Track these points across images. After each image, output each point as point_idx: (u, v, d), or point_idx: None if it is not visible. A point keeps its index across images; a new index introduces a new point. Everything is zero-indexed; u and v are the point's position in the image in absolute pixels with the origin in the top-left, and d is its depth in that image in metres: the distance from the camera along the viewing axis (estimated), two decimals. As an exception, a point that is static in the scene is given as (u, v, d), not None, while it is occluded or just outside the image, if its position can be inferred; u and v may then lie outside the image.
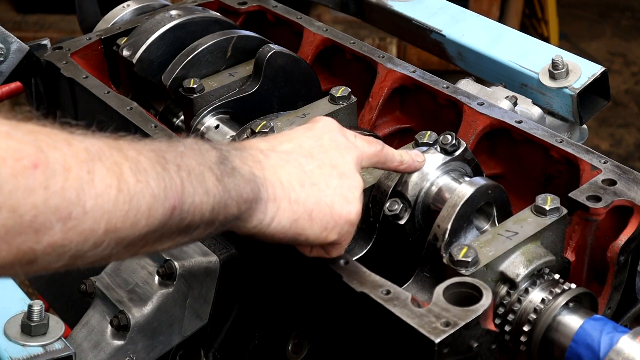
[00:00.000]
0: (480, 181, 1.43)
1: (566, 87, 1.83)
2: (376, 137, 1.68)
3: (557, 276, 1.37)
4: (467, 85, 1.83)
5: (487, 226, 1.45)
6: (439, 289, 1.23)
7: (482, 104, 1.71)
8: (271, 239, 1.24)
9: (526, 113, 1.80)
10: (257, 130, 1.59)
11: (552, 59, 1.84)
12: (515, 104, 1.79)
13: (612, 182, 1.48)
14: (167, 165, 1.07)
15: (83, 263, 1.01)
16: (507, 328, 1.35)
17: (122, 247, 1.03)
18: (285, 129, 1.62)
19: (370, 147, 1.35)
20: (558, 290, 1.33)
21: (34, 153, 0.92)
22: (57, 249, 0.96)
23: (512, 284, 1.34)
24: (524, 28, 5.54)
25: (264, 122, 1.61)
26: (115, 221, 1.00)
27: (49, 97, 2.00)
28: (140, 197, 1.02)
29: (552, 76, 1.84)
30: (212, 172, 1.13)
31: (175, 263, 1.46)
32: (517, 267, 1.34)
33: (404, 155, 1.42)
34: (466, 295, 1.23)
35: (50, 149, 0.94)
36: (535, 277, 1.35)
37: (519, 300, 1.34)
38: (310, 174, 1.25)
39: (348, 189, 1.27)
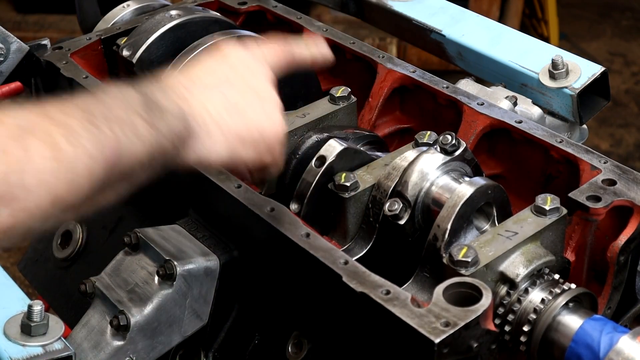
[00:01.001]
0: (480, 181, 1.43)
1: (566, 87, 1.83)
2: (376, 137, 1.68)
3: (557, 276, 1.37)
4: (467, 85, 1.83)
5: (487, 226, 1.45)
6: (439, 289, 1.23)
7: (482, 104, 1.71)
8: (213, 167, 1.30)
9: (526, 113, 1.80)
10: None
11: (552, 59, 1.84)
12: (515, 104, 1.79)
13: (612, 182, 1.48)
14: (97, 121, 1.09)
15: (33, 235, 1.05)
16: (507, 328, 1.35)
17: (68, 211, 1.07)
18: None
19: (276, 55, 1.41)
20: (558, 290, 1.33)
21: None
22: (7, 231, 0.99)
23: (512, 284, 1.34)
24: (524, 28, 5.54)
25: (264, 122, 1.61)
26: (59, 191, 1.03)
27: (49, 97, 1.99)
28: (78, 162, 1.05)
29: (552, 76, 1.84)
30: (141, 117, 1.15)
31: (175, 263, 1.46)
32: (517, 267, 1.34)
33: (313, 50, 1.48)
34: (466, 295, 1.23)
35: None
36: (535, 277, 1.35)
37: (519, 300, 1.34)
38: (234, 102, 1.31)
39: (271, 110, 1.34)
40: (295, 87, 1.84)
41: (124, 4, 2.17)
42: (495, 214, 1.45)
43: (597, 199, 1.44)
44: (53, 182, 1.02)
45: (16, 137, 1.00)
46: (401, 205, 1.45)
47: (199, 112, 1.26)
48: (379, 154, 1.61)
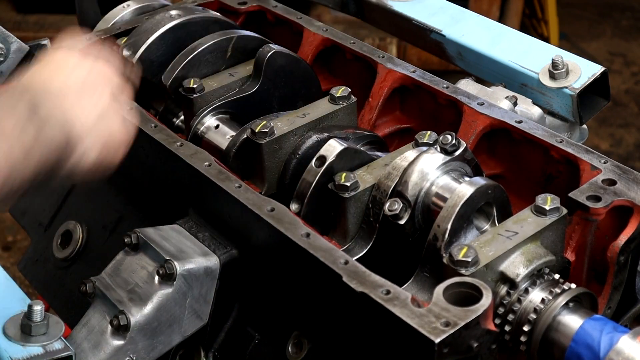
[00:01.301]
0: (480, 181, 1.43)
1: (566, 87, 1.83)
2: (376, 137, 1.69)
3: (557, 276, 1.37)
4: (467, 85, 1.83)
5: (487, 226, 1.45)
6: (439, 289, 1.23)
7: (482, 104, 1.71)
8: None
9: (526, 113, 1.80)
10: (257, 130, 1.59)
11: (552, 59, 1.84)
12: (515, 104, 1.79)
13: (612, 182, 1.48)
14: None
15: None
16: (507, 328, 1.35)
17: None
18: (285, 129, 1.63)
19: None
20: (558, 290, 1.33)
21: None
22: None
23: (512, 284, 1.34)
24: (524, 28, 5.54)
25: (264, 122, 1.61)
26: None
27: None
28: None
29: (552, 76, 1.84)
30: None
31: (176, 263, 1.46)
32: (517, 267, 1.34)
33: None
34: (466, 295, 1.23)
35: None
36: (535, 277, 1.35)
37: (519, 300, 1.34)
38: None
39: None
40: (295, 87, 1.84)
41: (124, 4, 2.17)
42: (496, 214, 1.45)
43: (597, 198, 1.44)
44: None
45: None
46: (401, 205, 1.45)
47: None
48: (379, 154, 1.61)
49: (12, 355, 1.33)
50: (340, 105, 1.70)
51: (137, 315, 1.44)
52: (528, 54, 1.92)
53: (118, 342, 1.43)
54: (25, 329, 1.36)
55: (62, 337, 1.37)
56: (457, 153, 1.48)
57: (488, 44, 1.98)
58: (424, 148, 1.51)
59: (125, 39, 1.93)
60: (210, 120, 1.77)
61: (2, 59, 1.92)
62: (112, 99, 1.38)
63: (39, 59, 1.41)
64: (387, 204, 1.46)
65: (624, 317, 1.53)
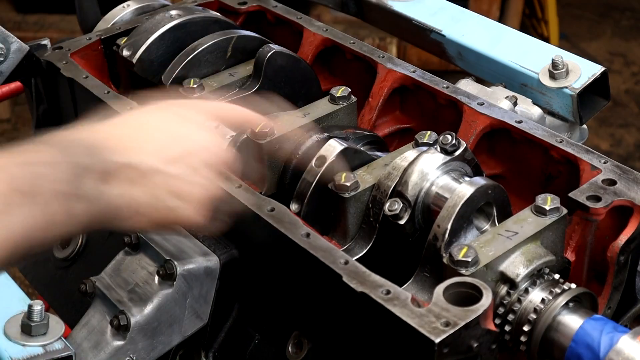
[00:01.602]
0: (480, 181, 1.43)
1: (566, 87, 1.83)
2: (376, 137, 1.69)
3: (557, 276, 1.37)
4: (467, 85, 1.83)
5: (487, 226, 1.45)
6: (439, 289, 1.23)
7: (482, 104, 1.71)
8: None
9: (526, 113, 1.80)
10: (257, 130, 1.59)
11: (552, 59, 1.84)
12: (515, 104, 1.79)
13: (612, 182, 1.48)
14: (15, 198, 1.08)
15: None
16: (507, 328, 1.35)
17: None
18: (285, 129, 1.62)
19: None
20: (558, 290, 1.33)
21: None
22: None
23: (512, 284, 1.34)
24: (524, 28, 5.54)
25: (264, 122, 1.61)
26: None
27: (49, 97, 2.00)
28: None
29: (552, 76, 1.84)
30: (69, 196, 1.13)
31: (176, 263, 1.46)
32: (517, 267, 1.34)
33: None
34: (466, 295, 1.23)
35: None
36: (535, 277, 1.35)
37: (519, 300, 1.34)
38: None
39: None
40: (295, 87, 1.84)
41: (124, 4, 2.17)
42: (496, 214, 1.45)
43: (597, 198, 1.44)
44: None
45: None
46: (401, 205, 1.45)
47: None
48: (379, 154, 1.61)
49: (12, 355, 1.33)
50: (340, 105, 1.70)
51: (137, 315, 1.44)
52: (528, 54, 1.92)
53: (118, 342, 1.43)
54: (25, 329, 1.36)
55: (62, 337, 1.37)
56: (457, 153, 1.48)
57: (488, 44, 1.98)
58: (424, 148, 1.51)
59: (125, 39, 1.93)
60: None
61: (2, 59, 1.92)
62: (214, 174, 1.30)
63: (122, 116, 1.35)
64: (387, 204, 1.46)
65: (624, 317, 1.53)
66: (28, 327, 1.36)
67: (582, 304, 1.35)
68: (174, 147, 1.26)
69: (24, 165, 1.11)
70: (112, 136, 1.25)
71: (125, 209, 1.21)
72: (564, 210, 1.40)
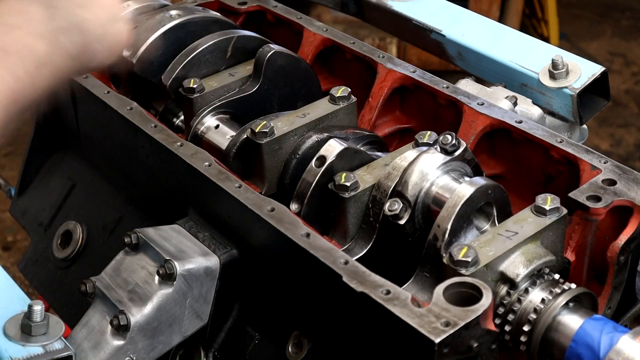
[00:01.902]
0: (480, 181, 1.43)
1: (566, 87, 1.83)
2: (376, 137, 1.68)
3: (557, 276, 1.37)
4: (467, 85, 1.83)
5: (487, 226, 1.45)
6: (439, 289, 1.23)
7: (482, 104, 1.71)
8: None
9: (526, 113, 1.80)
10: (257, 130, 1.60)
11: (552, 59, 1.84)
12: (515, 104, 1.79)
13: (612, 182, 1.48)
14: None
15: None
16: (507, 328, 1.35)
17: None
18: (285, 129, 1.63)
19: None
20: (558, 290, 1.33)
21: None
22: None
23: (512, 284, 1.34)
24: (524, 28, 5.54)
25: (264, 122, 1.61)
26: None
27: (48, 97, 1.99)
28: None
29: (552, 76, 1.84)
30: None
31: (176, 263, 1.46)
32: (517, 267, 1.34)
33: None
34: (466, 295, 1.23)
35: None
36: (535, 277, 1.35)
37: (519, 300, 1.34)
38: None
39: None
40: (295, 87, 1.84)
41: (124, 4, 2.17)
42: (496, 214, 1.45)
43: (597, 199, 1.44)
44: None
45: None
46: (401, 205, 1.45)
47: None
48: (379, 154, 1.61)
49: (12, 355, 1.33)
50: (340, 105, 1.70)
51: (137, 315, 1.44)
52: (528, 54, 1.92)
53: (118, 342, 1.43)
54: (25, 329, 1.36)
55: (62, 337, 1.37)
56: (457, 153, 1.48)
57: (488, 44, 1.98)
58: (424, 148, 1.51)
59: (125, 39, 1.93)
60: (210, 120, 1.77)
61: (2, 58, 1.92)
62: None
63: None
64: (387, 204, 1.46)
65: (624, 317, 1.53)
66: (28, 327, 1.36)
67: (582, 304, 1.35)
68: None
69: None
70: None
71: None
72: (564, 210, 1.40)
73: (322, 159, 1.53)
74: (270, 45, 1.83)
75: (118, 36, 1.34)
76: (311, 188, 1.52)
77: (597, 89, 1.85)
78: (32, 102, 1.14)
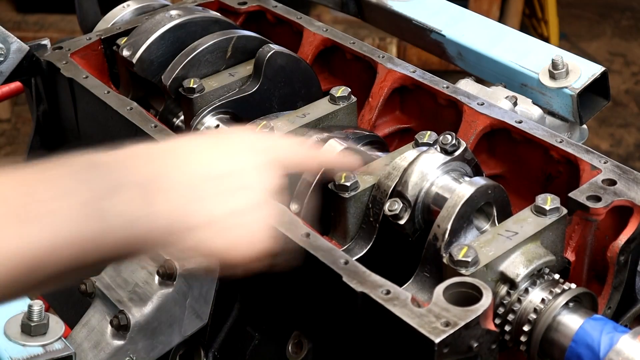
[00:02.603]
0: (480, 181, 1.43)
1: (566, 87, 1.83)
2: (376, 137, 1.68)
3: (557, 276, 1.37)
4: (467, 85, 1.83)
5: (487, 226, 1.45)
6: (439, 289, 1.23)
7: (482, 104, 1.71)
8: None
9: (526, 113, 1.80)
10: (257, 131, 1.59)
11: (552, 59, 1.84)
12: (515, 104, 1.79)
13: (612, 182, 1.48)
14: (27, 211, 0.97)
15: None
16: (507, 328, 1.35)
17: None
18: (285, 129, 1.62)
19: (292, 151, 1.26)
20: (558, 290, 1.33)
21: None
22: None
23: (512, 284, 1.34)
24: (524, 28, 5.54)
25: (264, 122, 1.61)
26: None
27: (49, 97, 2.00)
28: None
29: (552, 76, 1.84)
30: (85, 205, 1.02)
31: (176, 263, 1.46)
32: (517, 267, 1.34)
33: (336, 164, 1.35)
34: (466, 295, 1.23)
35: None
36: (535, 277, 1.35)
37: (519, 300, 1.34)
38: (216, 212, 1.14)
39: (250, 227, 1.16)
40: (295, 87, 1.84)
41: (124, 4, 2.17)
42: (496, 214, 1.45)
43: (597, 199, 1.44)
44: None
45: None
46: (401, 205, 1.45)
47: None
48: (379, 154, 1.61)
49: (12, 355, 1.33)
50: (340, 105, 1.70)
51: (137, 315, 1.44)
52: (528, 54, 1.92)
53: (118, 342, 1.43)
54: (25, 329, 1.36)
55: (62, 337, 1.37)
56: (457, 153, 1.48)
57: (488, 44, 1.98)
58: (424, 148, 1.51)
59: (125, 39, 1.93)
60: (210, 120, 1.77)
61: (2, 59, 1.92)
62: (264, 200, 1.17)
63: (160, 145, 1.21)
64: (387, 204, 1.46)
65: (624, 317, 1.52)
66: (28, 327, 1.36)
67: (582, 304, 1.35)
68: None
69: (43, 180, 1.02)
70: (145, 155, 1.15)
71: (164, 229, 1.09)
72: (564, 210, 1.40)
73: (322, 159, 1.53)
74: (270, 45, 1.83)
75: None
76: (311, 188, 1.52)
77: (597, 89, 1.85)
78: (56, 274, 1.01)
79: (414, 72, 1.83)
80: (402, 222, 1.46)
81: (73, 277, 1.07)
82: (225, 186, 1.14)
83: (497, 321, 1.35)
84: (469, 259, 1.29)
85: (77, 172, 1.05)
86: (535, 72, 1.87)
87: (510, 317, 1.34)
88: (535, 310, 1.32)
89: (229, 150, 1.18)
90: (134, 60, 1.85)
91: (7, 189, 0.99)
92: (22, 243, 0.97)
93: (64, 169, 1.04)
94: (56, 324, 1.38)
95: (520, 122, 1.66)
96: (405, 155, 1.51)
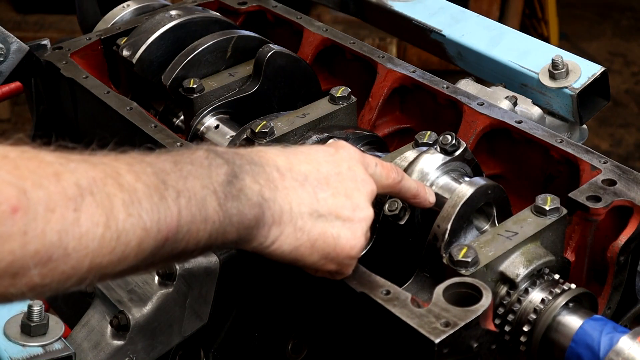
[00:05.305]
0: (480, 181, 1.43)
1: (566, 87, 1.83)
2: (376, 137, 1.68)
3: (557, 276, 1.37)
4: (467, 85, 1.83)
5: (487, 226, 1.45)
6: (439, 289, 1.23)
7: (482, 104, 1.71)
8: (268, 258, 1.22)
9: (526, 113, 1.80)
10: (257, 131, 1.59)
11: (552, 59, 1.84)
12: (515, 104, 1.79)
13: (612, 182, 1.48)
14: (165, 192, 1.02)
15: (64, 293, 0.96)
16: (507, 328, 1.35)
17: (108, 278, 1.00)
18: (285, 129, 1.63)
19: (387, 180, 1.32)
20: (558, 291, 1.33)
21: (14, 195, 0.88)
22: (36, 288, 0.92)
23: (512, 284, 1.34)
24: (524, 28, 5.54)
25: (264, 122, 1.61)
26: (101, 259, 0.95)
27: (49, 97, 2.00)
28: (130, 232, 0.97)
29: (552, 76, 1.84)
30: (216, 195, 1.08)
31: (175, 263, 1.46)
32: (517, 267, 1.34)
33: (420, 190, 1.38)
34: (466, 296, 1.23)
35: (34, 188, 0.90)
36: (535, 277, 1.35)
37: (519, 301, 1.34)
38: (322, 203, 1.21)
39: (358, 223, 1.23)
40: (295, 87, 1.84)
41: (124, 4, 2.17)
42: (495, 214, 1.45)
43: (597, 199, 1.44)
44: (96, 248, 0.93)
45: (70, 196, 0.92)
46: (401, 205, 1.45)
47: (279, 202, 1.17)
48: (379, 154, 1.61)
49: (12, 355, 1.33)
50: (340, 105, 1.70)
51: (137, 315, 1.44)
52: (528, 54, 1.92)
53: (118, 342, 1.43)
54: (25, 329, 1.36)
55: (62, 337, 1.37)
56: (457, 153, 1.48)
57: (488, 44, 1.98)
58: (424, 148, 1.51)
59: (125, 39, 1.93)
60: (210, 121, 1.77)
61: (2, 59, 1.92)
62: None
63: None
64: (387, 204, 1.46)
65: (624, 317, 1.53)
66: (28, 327, 1.36)
67: (582, 304, 1.35)
68: (315, 228, 1.21)
69: (183, 156, 1.09)
70: (275, 164, 1.21)
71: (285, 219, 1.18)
72: (564, 211, 1.40)
73: (322, 159, 1.53)
74: (270, 45, 1.83)
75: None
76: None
77: (597, 89, 1.85)
78: (182, 250, 1.06)
79: (414, 72, 1.83)
80: (402, 222, 1.46)
81: (189, 258, 1.15)
82: (344, 185, 1.24)
83: (497, 321, 1.35)
84: (469, 259, 1.29)
85: (214, 152, 1.13)
86: (535, 72, 1.87)
87: (510, 317, 1.34)
88: (535, 311, 1.32)
89: (342, 159, 1.27)
90: (134, 60, 1.85)
91: (160, 161, 1.06)
92: (171, 213, 1.02)
93: (200, 151, 1.12)
94: (56, 324, 1.38)
95: (520, 122, 1.66)
96: (405, 155, 1.51)
